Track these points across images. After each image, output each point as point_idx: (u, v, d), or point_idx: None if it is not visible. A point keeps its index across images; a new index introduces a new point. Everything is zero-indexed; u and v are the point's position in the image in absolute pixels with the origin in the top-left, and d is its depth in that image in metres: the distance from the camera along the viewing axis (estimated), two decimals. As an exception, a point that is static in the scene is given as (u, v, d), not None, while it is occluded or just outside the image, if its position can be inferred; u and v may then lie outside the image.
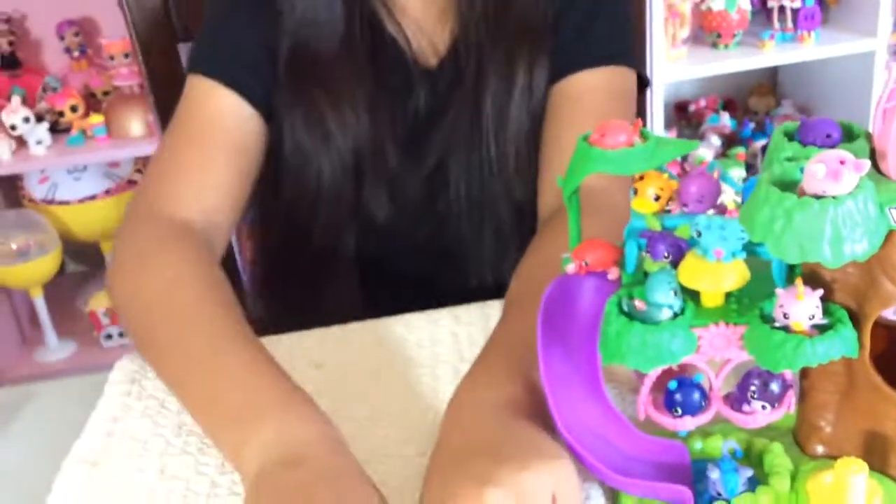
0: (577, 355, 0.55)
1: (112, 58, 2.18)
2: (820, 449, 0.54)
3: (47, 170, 2.19)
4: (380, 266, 0.92)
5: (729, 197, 0.55)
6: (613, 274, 0.54)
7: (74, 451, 0.64)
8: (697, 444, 0.55)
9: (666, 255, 0.52)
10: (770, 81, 2.36)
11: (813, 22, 2.02)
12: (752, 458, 0.54)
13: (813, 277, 0.49)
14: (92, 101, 2.23)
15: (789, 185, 0.45)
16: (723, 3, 1.97)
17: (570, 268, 0.55)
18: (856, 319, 0.48)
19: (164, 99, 1.04)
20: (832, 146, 0.50)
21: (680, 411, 0.53)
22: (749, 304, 0.50)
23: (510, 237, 0.84)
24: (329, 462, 0.53)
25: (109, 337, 2.23)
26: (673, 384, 0.53)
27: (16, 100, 2.06)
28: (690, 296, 0.50)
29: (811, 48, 2.02)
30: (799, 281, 0.47)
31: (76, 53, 2.27)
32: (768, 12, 2.06)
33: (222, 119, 0.81)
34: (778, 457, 0.53)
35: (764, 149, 2.13)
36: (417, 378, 0.69)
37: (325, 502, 0.50)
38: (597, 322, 0.51)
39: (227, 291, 0.68)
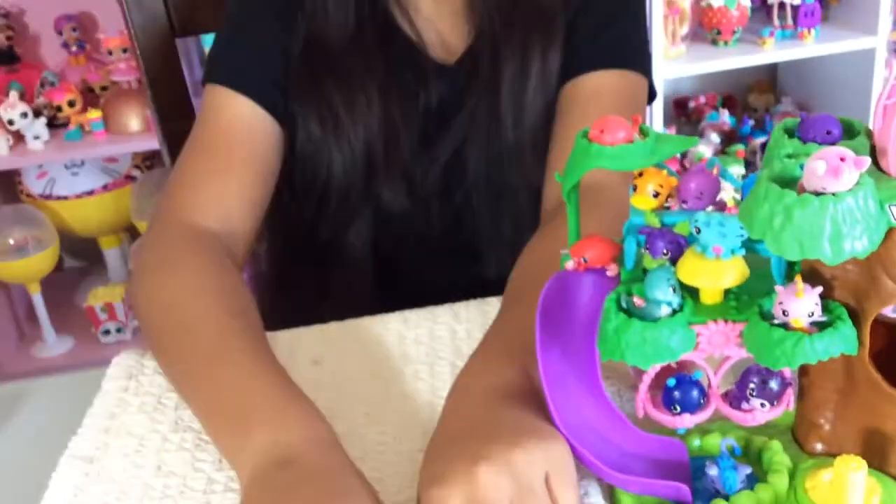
0: (575, 352, 0.55)
1: (110, 53, 2.18)
2: (819, 447, 0.54)
3: (45, 165, 2.19)
4: (397, 259, 0.92)
5: (728, 194, 0.55)
6: (612, 270, 0.54)
7: (71, 446, 0.64)
8: (696, 442, 0.55)
9: (665, 251, 0.51)
10: (770, 78, 2.36)
11: (813, 19, 2.02)
12: (750, 455, 0.54)
13: (812, 275, 0.49)
14: (90, 97, 2.22)
15: (789, 182, 0.45)
16: (722, -1, 1.97)
17: (569, 264, 0.55)
18: (855, 317, 0.48)
19: (163, 94, 1.03)
20: (832, 143, 0.49)
21: (678, 409, 0.52)
22: (748, 301, 0.50)
23: (529, 228, 0.84)
24: (319, 462, 0.53)
25: (107, 333, 2.23)
26: (671, 381, 0.53)
27: (14, 95, 2.06)
28: (689, 293, 0.50)
29: (811, 45, 2.02)
30: (798, 278, 0.47)
31: (74, 48, 2.27)
32: (768, 9, 2.06)
33: (240, 127, 0.82)
34: (777, 454, 0.52)
35: (763, 146, 2.13)
36: (415, 374, 0.69)
37: (313, 502, 0.50)
38: (595, 319, 0.51)
39: (243, 298, 0.69)
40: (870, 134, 0.50)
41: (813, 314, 0.47)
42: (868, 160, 0.43)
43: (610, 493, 0.55)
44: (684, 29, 1.99)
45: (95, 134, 2.11)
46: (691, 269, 0.49)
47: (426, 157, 0.87)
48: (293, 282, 0.98)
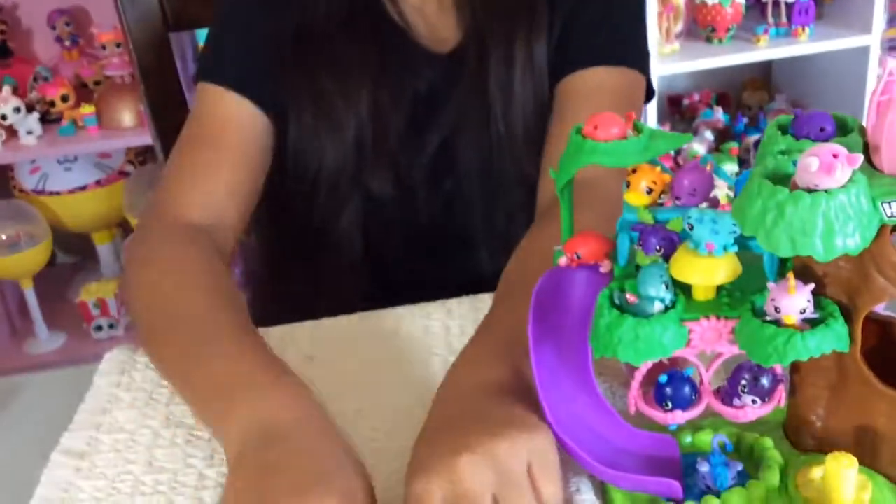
0: (568, 348, 0.55)
1: (104, 47, 2.17)
2: (810, 443, 0.54)
3: (38, 160, 2.18)
4: (389, 251, 0.92)
5: (722, 191, 0.55)
6: (605, 267, 0.54)
7: (63, 442, 0.64)
8: (687, 438, 0.55)
9: (658, 248, 0.51)
10: (764, 76, 2.36)
11: (807, 17, 2.02)
12: (742, 452, 0.54)
13: (805, 271, 0.49)
14: (83, 91, 2.22)
15: (782, 179, 0.45)
16: (717, -4, 1.97)
17: (562, 260, 0.55)
18: (847, 314, 0.48)
19: (156, 89, 1.03)
20: (826, 140, 0.49)
21: (670, 405, 0.52)
22: (740, 297, 0.50)
23: (523, 222, 0.84)
24: (307, 441, 0.53)
25: (99, 328, 2.22)
26: (663, 378, 0.53)
27: (6, 89, 2.06)
28: (682, 289, 0.50)
29: (805, 43, 2.02)
30: (790, 275, 0.47)
31: (67, 43, 2.26)
32: (762, 7, 2.06)
33: (231, 124, 0.83)
34: (768, 451, 0.53)
35: (757, 143, 2.13)
36: (409, 371, 0.69)
37: (305, 483, 0.49)
38: (588, 315, 0.51)
39: (229, 290, 0.70)
40: (863, 131, 0.50)
41: (805, 311, 0.47)
42: (861, 157, 0.43)
43: (602, 490, 0.55)
44: (679, 26, 1.99)
45: (88, 129, 2.10)
46: (684, 265, 0.49)
47: (414, 145, 0.88)
48: (285, 276, 0.98)
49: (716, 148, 2.14)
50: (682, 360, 0.51)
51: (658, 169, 0.53)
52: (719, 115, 2.20)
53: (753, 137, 2.16)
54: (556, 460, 0.51)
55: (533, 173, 0.85)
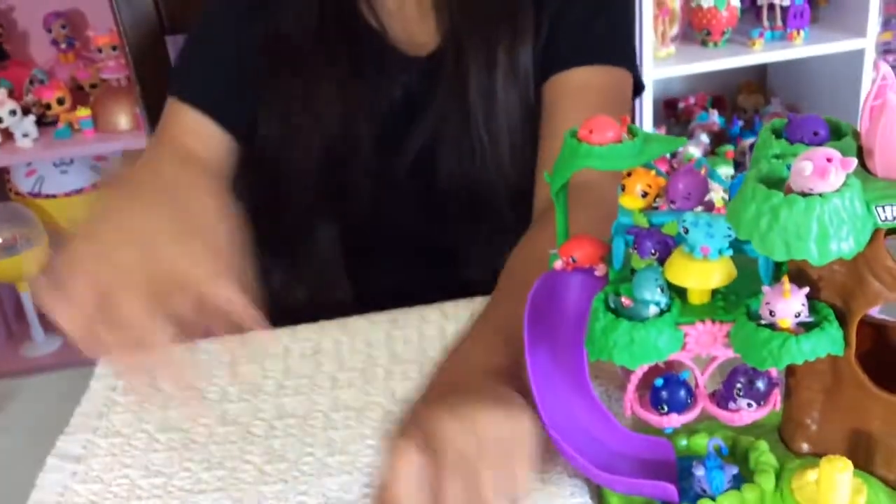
0: (563, 352, 0.55)
1: (100, 50, 2.17)
2: (805, 447, 0.54)
3: (34, 163, 2.18)
4: (372, 260, 0.91)
5: (717, 194, 0.55)
6: (600, 270, 0.54)
7: (59, 446, 0.64)
8: (683, 442, 0.55)
9: (653, 251, 0.52)
10: (759, 79, 2.36)
11: (802, 20, 2.02)
12: (737, 455, 0.54)
13: (799, 275, 0.49)
14: (79, 94, 2.21)
15: (776, 183, 0.45)
16: (712, 0, 1.97)
17: (558, 264, 0.55)
18: (842, 317, 0.49)
19: (152, 92, 1.03)
20: (820, 143, 0.50)
21: (666, 408, 0.53)
22: (735, 301, 0.50)
23: (510, 230, 0.83)
24: None
25: (96, 331, 2.22)
26: (659, 381, 0.53)
27: (2, 92, 2.05)
28: (677, 293, 0.50)
29: (800, 46, 2.02)
30: (785, 279, 0.47)
31: (63, 46, 2.26)
32: (758, 10, 2.07)
33: (190, 137, 0.84)
34: (763, 454, 0.53)
35: (752, 147, 2.13)
36: (405, 373, 0.69)
37: None
38: (584, 318, 0.51)
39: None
40: (857, 135, 0.50)
41: (800, 315, 0.47)
42: (854, 161, 0.44)
43: (597, 493, 0.55)
44: (674, 29, 2.00)
45: (84, 132, 2.09)
46: (679, 269, 0.49)
47: (390, 153, 0.86)
48: (267, 282, 0.97)
49: (711, 151, 2.14)
50: (678, 363, 0.51)
51: (653, 172, 0.54)
52: (715, 118, 2.20)
53: (749, 141, 2.16)
54: (533, 445, 0.51)
55: (519, 182, 0.84)
